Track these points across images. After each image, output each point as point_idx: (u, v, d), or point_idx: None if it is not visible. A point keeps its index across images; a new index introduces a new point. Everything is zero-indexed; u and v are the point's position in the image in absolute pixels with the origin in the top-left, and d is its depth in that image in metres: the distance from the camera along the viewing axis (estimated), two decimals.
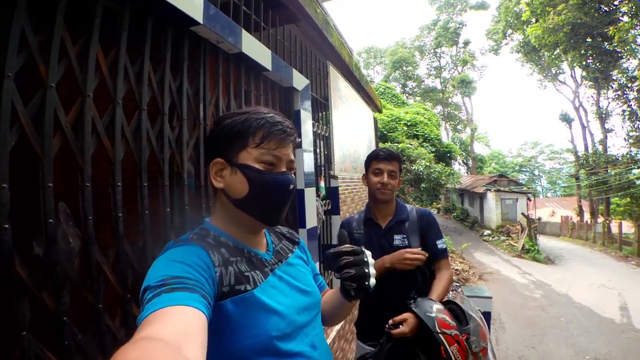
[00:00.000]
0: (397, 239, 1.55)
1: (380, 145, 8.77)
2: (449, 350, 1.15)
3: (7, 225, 0.73)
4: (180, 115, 1.27)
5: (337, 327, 2.85)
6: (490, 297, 1.73)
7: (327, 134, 3.30)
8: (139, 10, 1.09)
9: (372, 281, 0.79)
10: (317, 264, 2.38)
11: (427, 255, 1.49)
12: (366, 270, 0.78)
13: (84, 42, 0.92)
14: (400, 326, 1.27)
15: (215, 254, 0.68)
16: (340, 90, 3.81)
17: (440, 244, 1.55)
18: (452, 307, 1.34)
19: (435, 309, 1.23)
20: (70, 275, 0.87)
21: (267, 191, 0.72)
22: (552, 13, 15.71)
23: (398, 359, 1.29)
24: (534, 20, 18.08)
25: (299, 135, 2.10)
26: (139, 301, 0.56)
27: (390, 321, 1.31)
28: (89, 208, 0.91)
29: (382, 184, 1.55)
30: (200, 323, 0.50)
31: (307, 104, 2.37)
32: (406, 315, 1.29)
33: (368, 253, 0.83)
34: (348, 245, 0.83)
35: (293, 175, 0.78)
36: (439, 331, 1.18)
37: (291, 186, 0.75)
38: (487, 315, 1.68)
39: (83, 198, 0.90)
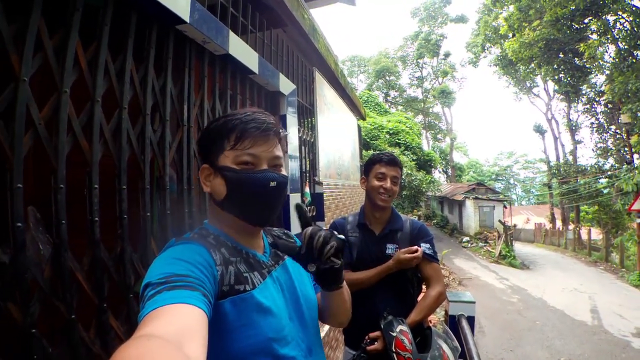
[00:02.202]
0: (390, 248, 1.52)
1: (364, 152, 8.85)
2: None
3: None
4: (163, 116, 1.22)
5: (322, 334, 2.81)
6: (474, 302, 1.74)
7: (312, 140, 3.29)
8: (123, 5, 1.05)
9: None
10: None
11: (417, 250, 1.44)
12: (344, 238, 0.76)
13: (63, 35, 0.87)
14: (376, 342, 1.34)
15: (217, 253, 0.68)
16: (326, 96, 3.82)
17: (424, 247, 1.49)
18: (427, 333, 1.36)
19: (398, 330, 1.29)
20: (40, 284, 0.81)
21: (244, 191, 0.70)
22: (527, 29, 16.49)
23: None
24: (511, 35, 18.91)
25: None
26: (139, 298, 0.55)
27: (367, 337, 1.36)
28: (63, 211, 0.86)
29: (385, 189, 1.50)
30: (201, 321, 0.49)
31: (293, 109, 2.36)
32: (379, 332, 1.35)
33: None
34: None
35: (281, 171, 0.74)
36: (393, 350, 1.24)
37: (272, 183, 0.71)
38: (471, 320, 1.68)
39: (56, 201, 0.85)
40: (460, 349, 1.33)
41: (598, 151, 19.46)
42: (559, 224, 22.37)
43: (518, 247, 16.98)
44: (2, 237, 0.76)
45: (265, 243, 0.83)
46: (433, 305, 1.46)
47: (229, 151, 0.70)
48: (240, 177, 0.69)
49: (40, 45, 0.82)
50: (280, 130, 0.75)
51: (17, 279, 0.75)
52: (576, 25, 15.91)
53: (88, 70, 0.94)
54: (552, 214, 23.50)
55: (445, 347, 1.24)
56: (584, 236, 16.39)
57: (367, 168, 1.62)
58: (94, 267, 0.94)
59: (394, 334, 1.26)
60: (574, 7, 14.30)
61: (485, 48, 24.58)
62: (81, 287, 0.91)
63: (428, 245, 1.52)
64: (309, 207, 3.02)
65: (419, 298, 1.54)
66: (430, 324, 1.58)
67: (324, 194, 3.39)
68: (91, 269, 0.94)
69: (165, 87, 1.23)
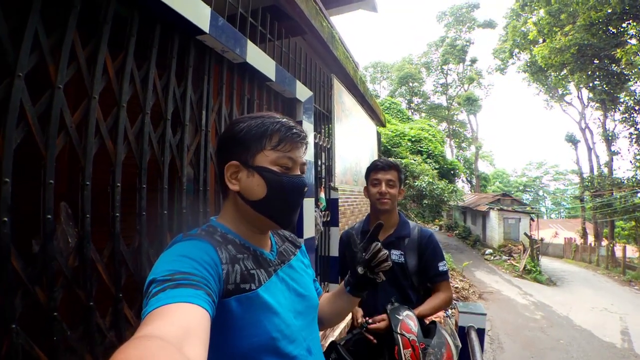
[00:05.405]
0: (395, 255, 1.52)
1: None
2: (402, 352, 1.22)
3: (6, 219, 0.75)
4: (182, 121, 1.30)
5: (334, 336, 2.81)
6: (485, 314, 1.69)
7: (328, 146, 3.33)
8: (148, 18, 1.14)
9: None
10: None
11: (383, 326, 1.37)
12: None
13: (94, 46, 0.96)
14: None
15: (223, 251, 0.68)
16: (344, 103, 3.86)
17: (441, 266, 1.53)
18: (431, 327, 1.37)
19: (404, 314, 1.32)
20: (64, 272, 0.89)
21: (284, 193, 0.74)
22: (559, 33, 15.83)
23: (365, 349, 1.37)
24: (541, 40, 18.24)
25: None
26: (144, 293, 0.56)
27: (370, 320, 1.40)
28: (88, 206, 0.94)
29: (380, 193, 1.53)
30: (203, 321, 0.50)
31: (310, 115, 2.41)
32: (384, 316, 1.38)
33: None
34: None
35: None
36: (398, 332, 1.26)
37: (305, 189, 0.77)
38: (481, 332, 1.65)
39: (82, 196, 0.93)
40: (461, 346, 1.34)
41: (637, 163, 18.29)
42: (590, 239, 21.17)
43: (545, 262, 16.23)
44: (37, 229, 0.84)
45: (273, 242, 0.84)
46: (440, 306, 1.49)
47: (269, 151, 0.73)
48: (282, 180, 0.73)
49: (74, 56, 0.91)
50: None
51: (45, 266, 0.83)
52: (613, 30, 15.09)
53: (115, 78, 1.03)
54: (584, 229, 22.27)
55: (449, 339, 1.25)
56: (619, 253, 15.45)
57: (366, 177, 1.66)
58: (113, 258, 1.01)
59: (401, 318, 1.30)
60: (610, 11, 13.59)
61: (514, 54, 23.78)
62: (100, 277, 0.98)
63: (444, 263, 1.55)
64: (323, 213, 3.05)
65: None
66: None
67: (339, 200, 3.41)
68: (110, 261, 1.01)
69: (185, 93, 1.31)
